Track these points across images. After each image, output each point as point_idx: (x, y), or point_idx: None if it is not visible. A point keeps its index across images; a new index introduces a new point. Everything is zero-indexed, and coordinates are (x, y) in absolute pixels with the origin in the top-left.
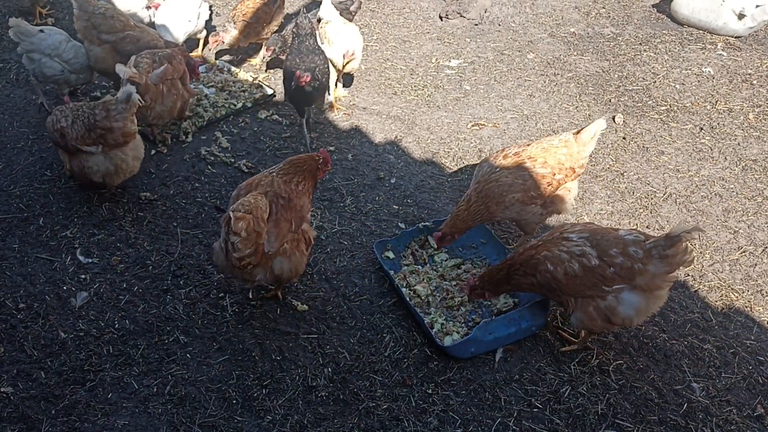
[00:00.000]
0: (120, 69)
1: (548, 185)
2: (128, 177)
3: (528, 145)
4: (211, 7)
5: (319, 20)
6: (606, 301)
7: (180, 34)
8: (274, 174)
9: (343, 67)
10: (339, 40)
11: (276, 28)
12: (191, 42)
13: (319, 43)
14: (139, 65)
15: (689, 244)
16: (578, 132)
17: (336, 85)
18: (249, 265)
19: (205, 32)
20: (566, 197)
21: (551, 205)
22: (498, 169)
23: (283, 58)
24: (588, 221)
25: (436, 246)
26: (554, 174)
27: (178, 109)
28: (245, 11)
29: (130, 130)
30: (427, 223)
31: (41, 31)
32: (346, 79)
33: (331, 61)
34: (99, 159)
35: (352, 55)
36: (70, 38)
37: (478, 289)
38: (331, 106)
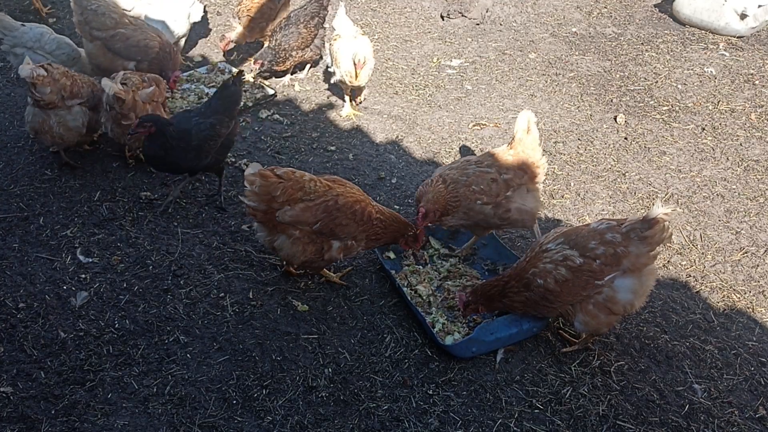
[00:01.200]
0: (105, 83)
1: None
2: (58, 142)
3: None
4: (205, 8)
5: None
6: (602, 294)
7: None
8: (369, 202)
9: (356, 77)
10: (345, 56)
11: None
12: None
13: (328, 62)
14: (128, 81)
15: (666, 224)
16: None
17: (349, 99)
18: (255, 215)
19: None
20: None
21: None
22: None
23: (278, 69)
24: (567, 226)
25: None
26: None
27: None
28: (250, 6)
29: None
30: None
31: (23, 25)
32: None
33: (341, 80)
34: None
35: (363, 62)
36: (52, 31)
37: (471, 305)
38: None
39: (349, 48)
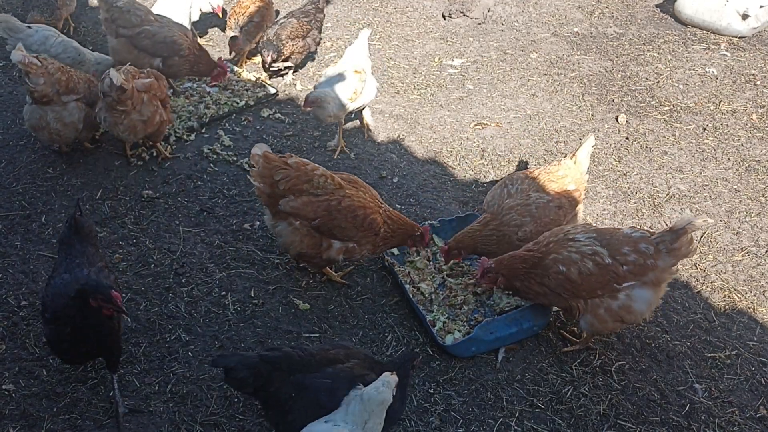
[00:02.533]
0: (113, 74)
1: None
2: (55, 138)
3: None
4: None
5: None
6: (618, 301)
7: None
8: (376, 210)
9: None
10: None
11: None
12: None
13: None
14: (126, 73)
15: (692, 235)
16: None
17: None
18: (261, 196)
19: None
20: None
21: None
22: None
23: (281, 58)
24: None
25: (444, 261)
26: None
27: (153, 126)
28: (240, 13)
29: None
30: (432, 222)
31: (29, 27)
32: None
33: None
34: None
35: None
36: (59, 34)
37: (492, 273)
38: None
39: (346, 87)
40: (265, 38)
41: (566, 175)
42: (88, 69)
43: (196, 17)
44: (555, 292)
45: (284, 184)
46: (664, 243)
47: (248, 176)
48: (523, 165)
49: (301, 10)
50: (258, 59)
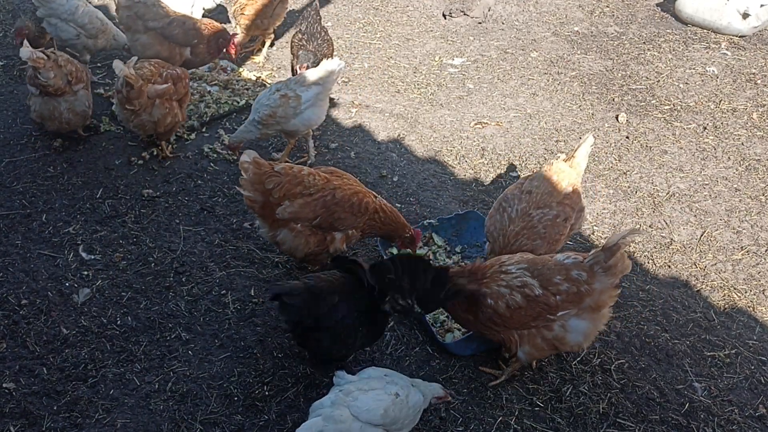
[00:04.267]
0: (117, 65)
1: None
2: (64, 127)
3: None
4: None
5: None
6: (553, 332)
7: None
8: (366, 193)
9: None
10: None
11: (280, 22)
12: None
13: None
14: (142, 70)
15: (625, 251)
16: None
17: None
18: (253, 207)
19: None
20: None
21: None
22: None
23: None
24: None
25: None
26: None
27: (164, 126)
28: (245, 5)
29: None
30: (431, 221)
31: None
32: (354, 79)
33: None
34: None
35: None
36: (87, 3)
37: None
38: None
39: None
40: (302, 49)
41: (561, 179)
42: (108, 38)
43: (198, 15)
44: (487, 325)
45: (278, 192)
46: (598, 263)
47: (237, 187)
48: (523, 165)
49: (315, 22)
50: (258, 59)
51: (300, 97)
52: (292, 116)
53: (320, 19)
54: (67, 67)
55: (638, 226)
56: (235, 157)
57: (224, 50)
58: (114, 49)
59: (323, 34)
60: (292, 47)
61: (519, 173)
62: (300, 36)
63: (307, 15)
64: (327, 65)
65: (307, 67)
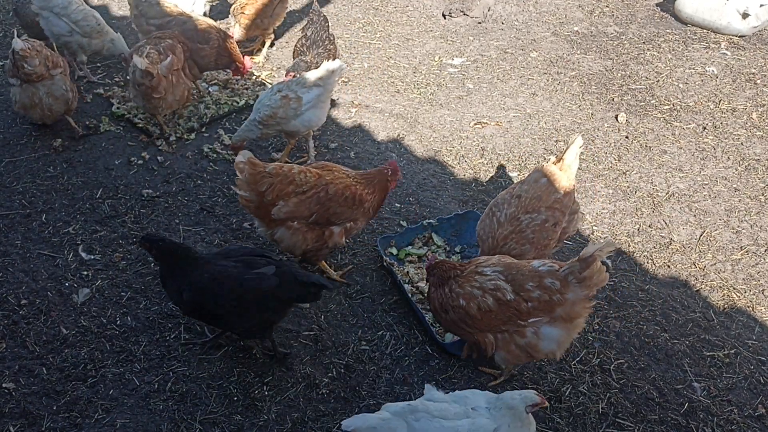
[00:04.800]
0: (137, 60)
1: None
2: (47, 114)
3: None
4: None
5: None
6: (526, 338)
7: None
8: (355, 183)
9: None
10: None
11: (279, 22)
12: None
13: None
14: (149, 56)
15: (602, 263)
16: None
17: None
18: (249, 207)
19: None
20: None
21: None
22: None
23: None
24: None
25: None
26: None
27: (184, 100)
28: (245, 4)
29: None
30: (431, 221)
31: None
32: (353, 79)
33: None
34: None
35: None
36: (81, 2)
37: (430, 276)
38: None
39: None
40: (300, 56)
41: (551, 183)
42: (105, 40)
43: (200, 11)
44: (459, 325)
45: (271, 193)
46: (573, 273)
47: (233, 188)
48: (522, 165)
49: (322, 30)
50: (258, 59)
51: (301, 98)
52: (293, 117)
53: (328, 26)
54: (43, 53)
55: (638, 226)
56: (235, 157)
57: (232, 72)
58: (111, 54)
59: (327, 42)
60: (294, 51)
61: (519, 173)
62: (303, 41)
63: (316, 20)
64: (328, 66)
65: (294, 77)
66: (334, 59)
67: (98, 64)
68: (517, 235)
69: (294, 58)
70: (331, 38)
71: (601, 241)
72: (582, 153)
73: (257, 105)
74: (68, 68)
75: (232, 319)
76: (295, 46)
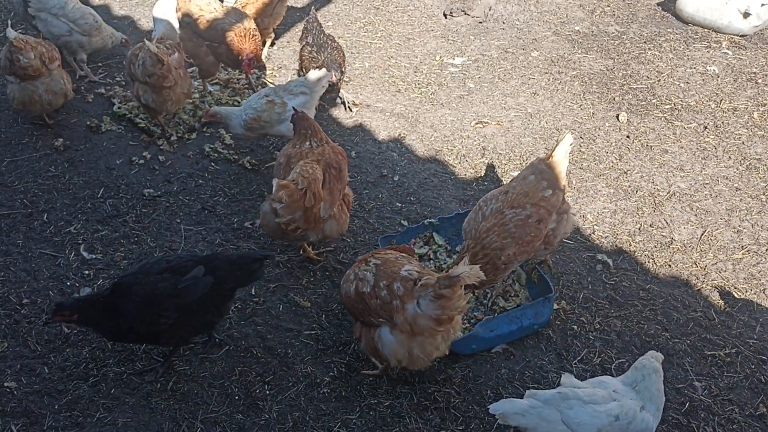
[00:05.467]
0: (148, 45)
1: None
2: (46, 108)
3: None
4: None
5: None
6: (371, 336)
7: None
8: (325, 143)
9: None
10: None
11: (279, 21)
12: None
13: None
14: (160, 46)
15: (463, 292)
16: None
17: None
18: (297, 230)
19: None
20: None
21: None
22: None
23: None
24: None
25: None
26: None
27: (189, 95)
28: (245, 4)
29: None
30: (432, 220)
31: None
32: (354, 78)
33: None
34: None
35: None
36: (78, 1)
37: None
38: None
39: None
40: (313, 62)
41: (539, 180)
42: (104, 36)
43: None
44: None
45: (312, 199)
46: (427, 286)
47: (277, 220)
48: (523, 164)
49: (321, 33)
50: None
51: (286, 104)
52: (277, 122)
53: (323, 28)
54: (38, 48)
55: (639, 225)
56: (236, 156)
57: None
58: (114, 46)
59: (330, 42)
60: (302, 60)
61: (520, 173)
62: (309, 48)
63: (311, 27)
64: (313, 74)
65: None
66: (343, 56)
67: (99, 64)
68: (499, 228)
69: (303, 67)
70: (332, 38)
71: (469, 265)
72: (583, 152)
73: (245, 105)
74: (60, 56)
75: (174, 332)
76: (302, 54)
